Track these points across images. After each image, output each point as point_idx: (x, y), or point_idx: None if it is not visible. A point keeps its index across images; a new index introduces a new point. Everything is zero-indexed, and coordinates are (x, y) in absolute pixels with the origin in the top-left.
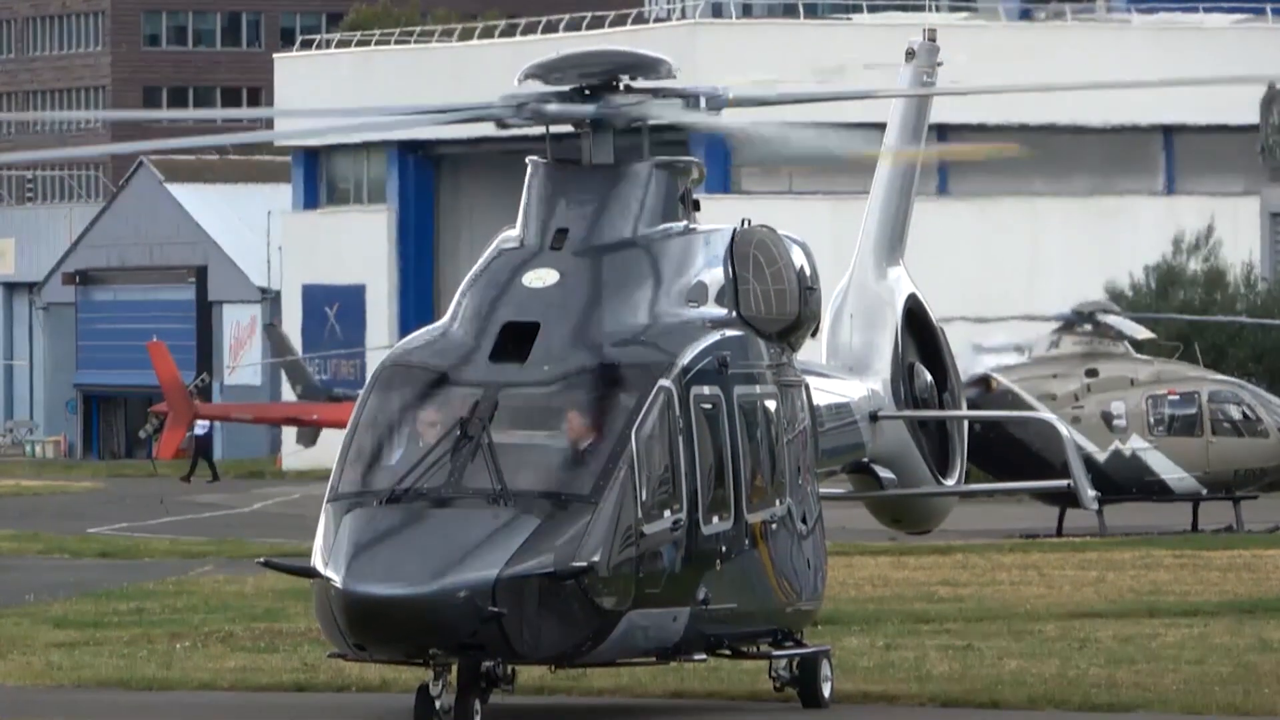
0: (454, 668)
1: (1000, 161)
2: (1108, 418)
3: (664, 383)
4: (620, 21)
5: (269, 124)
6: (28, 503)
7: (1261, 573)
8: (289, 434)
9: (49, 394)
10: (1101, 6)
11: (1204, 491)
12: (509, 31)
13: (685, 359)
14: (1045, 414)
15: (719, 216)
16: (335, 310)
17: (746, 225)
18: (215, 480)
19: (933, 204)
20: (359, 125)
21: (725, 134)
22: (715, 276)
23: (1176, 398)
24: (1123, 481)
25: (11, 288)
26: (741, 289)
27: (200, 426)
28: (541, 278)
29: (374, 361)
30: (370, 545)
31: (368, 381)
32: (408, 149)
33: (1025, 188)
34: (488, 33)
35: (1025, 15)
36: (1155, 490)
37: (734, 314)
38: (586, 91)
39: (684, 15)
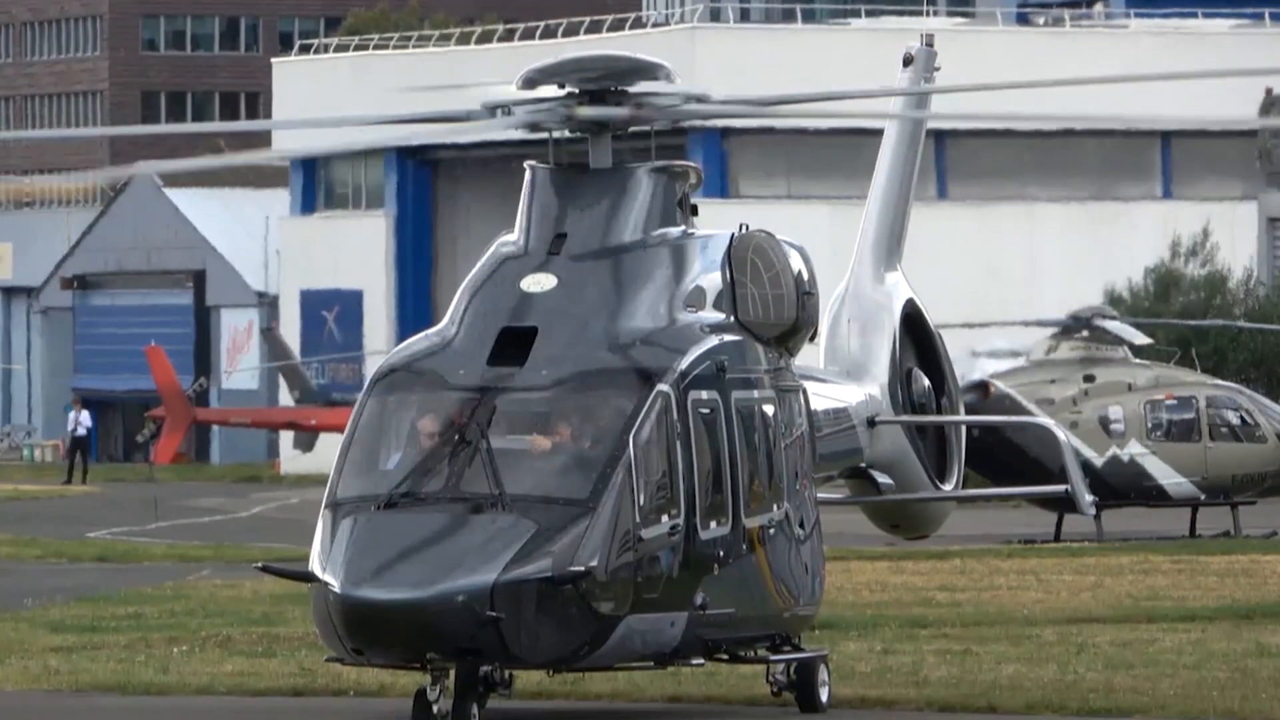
0: (452, 672)
1: (998, 166)
2: (1105, 423)
3: (662, 387)
4: (618, 26)
5: (267, 139)
6: (25, 507)
7: (1259, 578)
8: (287, 439)
9: (47, 398)
10: (1099, 12)
11: (1202, 497)
12: (507, 36)
13: (683, 364)
14: (1043, 419)
15: (717, 221)
16: (333, 315)
17: (744, 230)
18: (83, 483)
19: (931, 209)
20: (371, 135)
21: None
22: (713, 281)
23: (1174, 403)
24: (1120, 487)
25: (9, 292)
26: (739, 294)
27: (81, 428)
28: (540, 282)
29: (372, 366)
30: (368, 550)
31: (365, 386)
32: (405, 154)
33: (1023, 193)
34: (486, 37)
35: (1023, 21)
36: (1153, 495)
37: (732, 319)
38: (584, 96)
39: (682, 20)
